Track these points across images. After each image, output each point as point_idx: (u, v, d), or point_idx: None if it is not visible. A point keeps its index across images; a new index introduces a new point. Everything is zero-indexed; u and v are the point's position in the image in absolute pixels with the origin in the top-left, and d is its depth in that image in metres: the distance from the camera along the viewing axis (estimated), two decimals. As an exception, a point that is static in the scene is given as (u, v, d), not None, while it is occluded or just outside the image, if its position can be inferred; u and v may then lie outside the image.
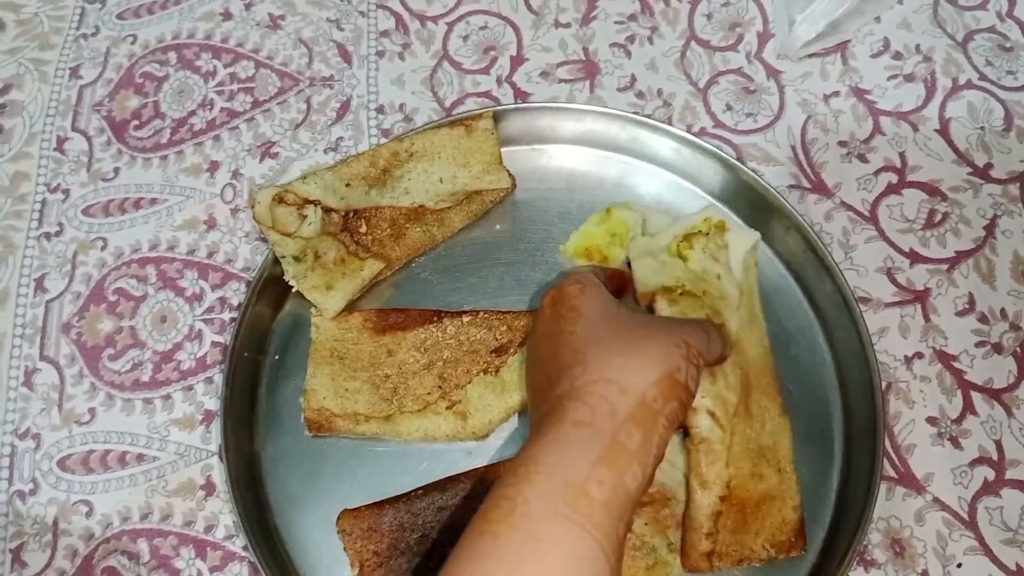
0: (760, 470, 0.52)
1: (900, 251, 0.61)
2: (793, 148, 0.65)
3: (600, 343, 0.44)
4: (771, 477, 0.53)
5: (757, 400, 0.54)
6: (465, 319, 0.58)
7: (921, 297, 0.60)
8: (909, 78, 0.67)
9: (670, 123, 0.62)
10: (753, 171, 0.60)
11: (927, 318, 0.59)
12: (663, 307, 0.54)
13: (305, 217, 0.58)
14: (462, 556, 0.38)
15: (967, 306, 0.59)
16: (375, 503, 0.54)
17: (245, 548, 0.55)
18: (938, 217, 0.62)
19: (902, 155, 0.64)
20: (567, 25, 0.70)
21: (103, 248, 0.64)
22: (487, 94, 0.68)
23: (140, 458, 0.58)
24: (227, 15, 0.71)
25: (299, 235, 0.58)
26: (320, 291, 0.58)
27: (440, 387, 0.57)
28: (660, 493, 0.53)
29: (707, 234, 0.58)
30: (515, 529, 0.37)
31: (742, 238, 0.59)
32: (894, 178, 0.63)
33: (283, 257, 0.57)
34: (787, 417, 0.55)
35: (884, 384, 0.56)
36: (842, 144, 0.65)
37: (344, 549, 0.53)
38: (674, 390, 0.42)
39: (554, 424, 0.41)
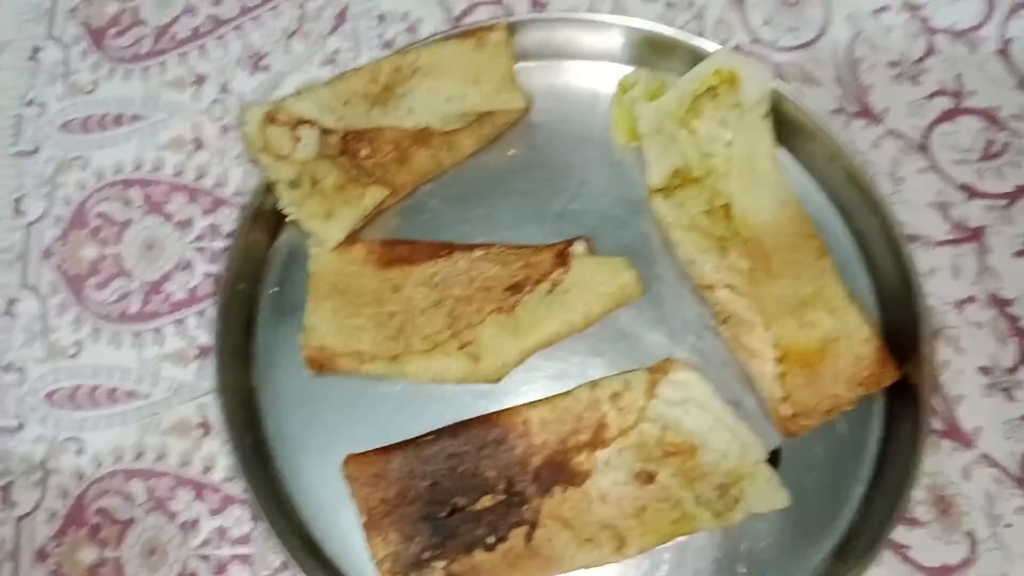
0: (809, 319, 0.51)
1: (954, 185, 0.56)
2: (838, 68, 0.59)
3: None
4: (824, 321, 0.51)
5: (782, 258, 0.52)
6: (477, 253, 0.54)
7: (976, 236, 0.55)
8: (967, -9, 0.60)
9: (702, 37, 0.56)
10: (793, 93, 0.54)
11: (982, 259, 0.54)
12: (660, 206, 0.53)
13: (299, 139, 0.53)
14: None
15: (1025, 246, 0.55)
16: (382, 448, 0.51)
17: (245, 491, 0.52)
18: (996, 147, 0.56)
19: (958, 78, 0.58)
20: (591, -75, 0.63)
21: (84, 168, 0.59)
22: (500, 2, 0.61)
23: (131, 395, 0.55)
24: (212, -92, 0.64)
25: (293, 158, 0.53)
26: (318, 220, 0.53)
27: (450, 326, 0.53)
28: (687, 443, 0.50)
29: (716, 95, 0.54)
30: None
31: (753, 86, 0.54)
32: (949, 103, 0.58)
33: (277, 183, 0.53)
34: (828, 257, 0.53)
35: (932, 330, 0.52)
36: (892, 64, 0.59)
37: (351, 496, 0.50)
38: None
39: None
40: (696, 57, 0.55)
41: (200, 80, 0.60)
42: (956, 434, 0.51)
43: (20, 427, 0.54)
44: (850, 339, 0.51)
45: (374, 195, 0.54)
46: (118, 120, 0.60)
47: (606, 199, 0.56)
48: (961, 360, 0.52)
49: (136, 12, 0.62)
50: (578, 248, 0.53)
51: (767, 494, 0.49)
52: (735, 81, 0.54)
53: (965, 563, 0.49)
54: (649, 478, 0.50)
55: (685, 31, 0.56)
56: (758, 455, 0.50)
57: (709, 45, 0.55)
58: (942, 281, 0.54)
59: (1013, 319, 0.53)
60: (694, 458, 0.50)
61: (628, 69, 0.58)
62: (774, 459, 0.51)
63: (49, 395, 0.55)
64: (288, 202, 0.53)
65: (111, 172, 0.59)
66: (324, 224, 0.53)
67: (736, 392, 0.52)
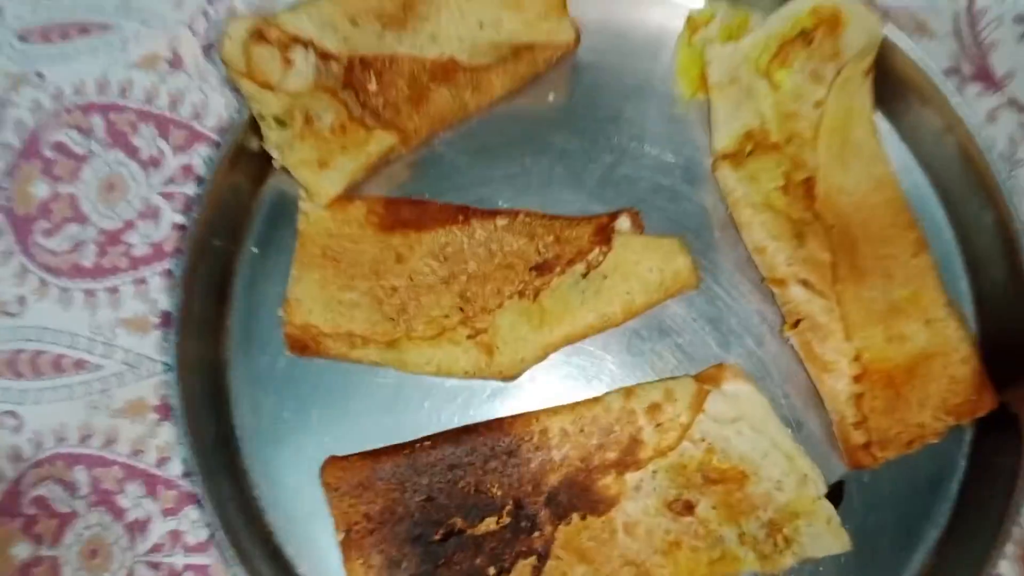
0: (900, 330, 0.44)
1: (1086, 172, 0.47)
2: (956, 19, 0.50)
3: None
4: (919, 334, 0.44)
5: (871, 252, 0.45)
6: (500, 222, 0.46)
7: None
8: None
9: (797, -29, 0.46)
10: (904, 45, 0.45)
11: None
12: (727, 176, 0.46)
13: (291, 62, 0.44)
14: None
15: None
16: (370, 452, 0.45)
17: (205, 491, 0.45)
18: None
19: (1101, 39, 0.48)
20: None
21: (39, 87, 0.51)
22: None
23: (80, 365, 0.48)
24: None
25: (284, 88, 0.44)
26: (311, 168, 0.46)
27: (461, 309, 0.46)
28: (735, 469, 0.43)
29: (811, 41, 0.46)
30: None
31: (859, 32, 0.45)
32: (1087, 71, 0.48)
33: (262, 119, 0.45)
34: (927, 253, 0.46)
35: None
36: (1020, 20, 0.50)
37: (329, 508, 0.43)
38: None
39: None
40: (787, -8, 0.47)
41: (182, -15, 0.51)
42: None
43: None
44: (946, 357, 0.44)
45: (381, 141, 0.47)
46: (83, 29, 0.51)
47: (661, 165, 0.48)
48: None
49: None
50: (623, 224, 0.46)
51: (825, 536, 0.43)
52: (837, 24, 0.46)
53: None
54: (686, 508, 0.43)
55: (775, -38, 0.46)
56: (819, 489, 0.43)
57: (805, -19, 0.45)
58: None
59: None
60: (742, 488, 0.44)
61: (700, 3, 0.49)
62: (836, 494, 0.45)
63: (-13, 359, 0.48)
64: (275, 143, 0.45)
65: (71, 92, 0.50)
66: (317, 174, 0.46)
67: (798, 412, 0.46)
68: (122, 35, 0.51)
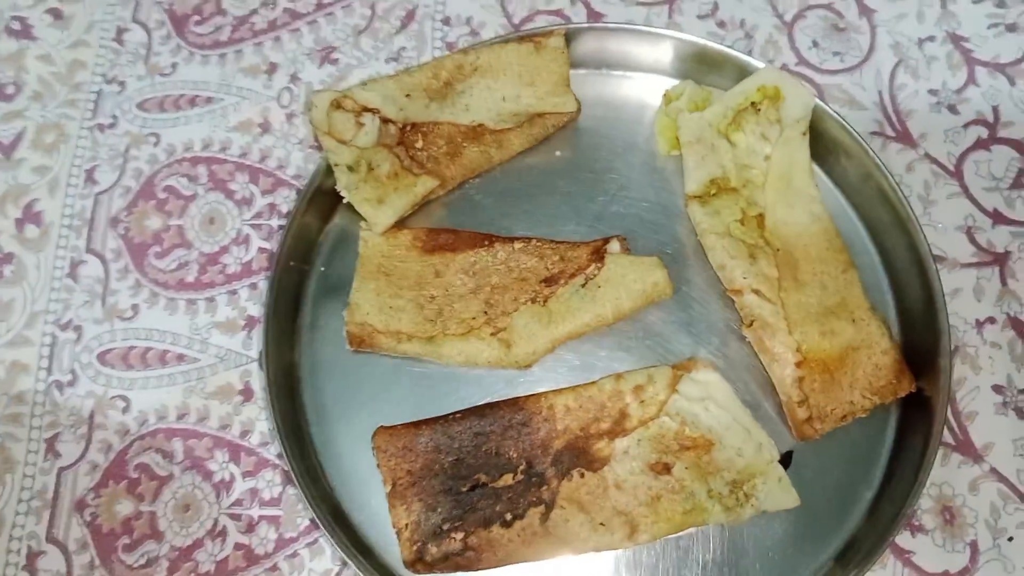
0: (831, 327, 0.53)
1: (983, 210, 0.57)
2: (880, 93, 0.61)
3: None
4: (846, 330, 0.53)
5: (809, 269, 0.55)
6: (517, 245, 0.56)
7: (1000, 260, 0.56)
8: (1011, 28, 0.62)
9: (750, 55, 0.58)
10: (836, 112, 0.56)
11: (1004, 282, 0.56)
12: (696, 212, 0.56)
13: (362, 125, 0.56)
14: None
15: (1050, 274, 0.56)
16: (412, 423, 0.53)
17: (279, 456, 0.55)
18: (1028, 177, 0.58)
19: (995, 109, 0.60)
20: (648, -55, 0.66)
21: (156, 144, 0.63)
22: (559, 12, 0.64)
23: (180, 358, 0.58)
24: (294, -89, 0.69)
25: (354, 144, 0.56)
26: (371, 204, 0.56)
27: (486, 312, 0.55)
28: (704, 438, 0.52)
29: (759, 110, 0.56)
30: None
31: (796, 103, 0.56)
32: (984, 133, 0.59)
33: (336, 166, 0.56)
34: (854, 270, 0.55)
35: (951, 347, 0.53)
36: (932, 92, 0.61)
37: (377, 466, 0.52)
38: None
39: None
40: (742, 73, 0.58)
41: (272, 69, 0.64)
42: (967, 448, 0.53)
43: (72, 382, 0.58)
44: (870, 349, 0.52)
45: (425, 185, 0.57)
46: (192, 101, 0.63)
47: (644, 203, 0.58)
48: (977, 378, 0.54)
49: (218, 2, 0.66)
50: (613, 246, 0.55)
51: (778, 494, 0.51)
52: (778, 97, 0.56)
53: (965, 572, 0.50)
54: (665, 469, 0.52)
55: (734, 49, 0.58)
56: (772, 455, 0.51)
57: (756, 63, 0.57)
58: (964, 301, 0.56)
59: (1033, 342, 0.54)
60: (709, 453, 0.52)
61: (675, 82, 0.60)
62: (786, 461, 0.52)
63: (102, 354, 0.58)
64: (345, 184, 0.56)
65: (181, 149, 0.62)
66: (376, 208, 0.56)
67: (755, 396, 0.54)
68: (223, 106, 0.63)
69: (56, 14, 0.67)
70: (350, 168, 0.56)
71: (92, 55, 0.66)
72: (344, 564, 0.53)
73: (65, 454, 0.56)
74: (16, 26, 0.67)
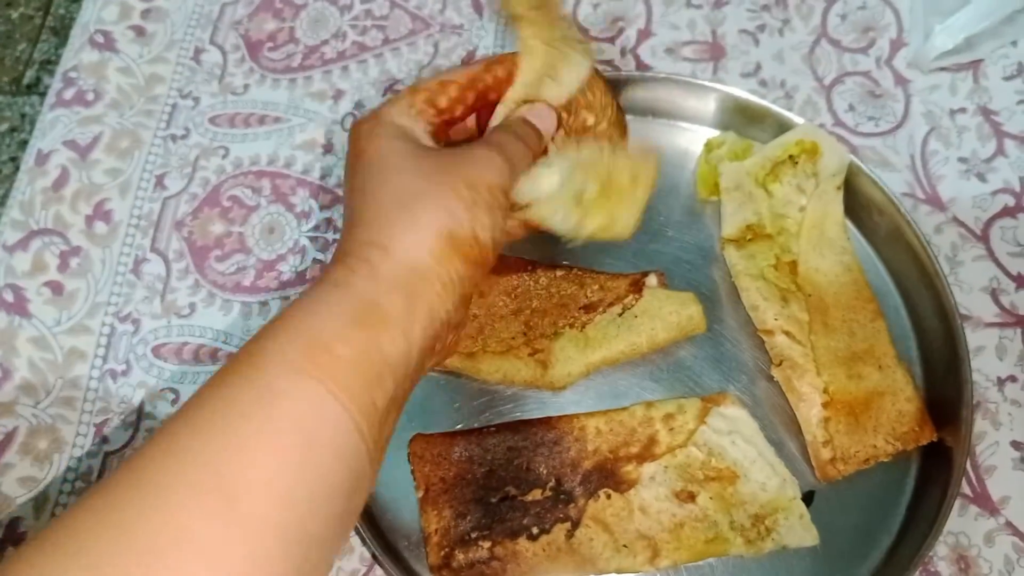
0: (858, 371, 0.55)
1: (1008, 274, 0.60)
2: (912, 157, 0.64)
3: (375, 198, 0.40)
4: (872, 375, 0.55)
5: (839, 316, 0.57)
6: (559, 273, 0.59)
7: (1022, 322, 0.58)
8: (1041, 105, 0.65)
9: (790, 112, 0.62)
10: (871, 171, 0.59)
11: (1027, 343, 0.58)
12: (731, 254, 0.59)
13: None
14: (190, 404, 0.34)
15: (1070, 338, 0.58)
16: (448, 432, 0.56)
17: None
18: (1051, 246, 0.61)
19: (1022, 180, 0.63)
20: (699, 6, 0.70)
21: (224, 156, 0.66)
22: (610, 62, 0.68)
23: (231, 357, 0.60)
24: (371, -46, 0.74)
25: None
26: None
27: (525, 333, 0.58)
28: (729, 470, 0.54)
29: (796, 163, 0.59)
30: (246, 379, 0.34)
31: (833, 159, 0.59)
32: (1011, 201, 0.62)
33: None
34: (882, 320, 0.57)
35: (972, 402, 0.55)
36: (962, 160, 0.64)
37: (412, 472, 0.55)
38: (455, 249, 0.39)
39: (315, 284, 0.38)
40: (782, 128, 0.61)
41: (339, 95, 0.68)
42: (984, 501, 0.54)
43: (126, 372, 0.60)
44: (895, 395, 0.54)
45: None
46: (261, 120, 0.67)
47: (682, 243, 0.61)
48: (996, 434, 0.56)
49: (292, 32, 0.71)
50: (651, 280, 0.58)
51: (798, 530, 0.52)
52: (815, 152, 0.59)
53: (981, 620, 0.52)
54: (689, 497, 0.53)
55: (775, 105, 0.61)
56: (795, 492, 0.53)
57: (796, 119, 0.61)
58: (987, 359, 0.58)
59: (1052, 402, 0.56)
60: (734, 485, 0.54)
61: (716, 133, 0.64)
62: (808, 499, 0.54)
63: (157, 347, 0.61)
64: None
65: (248, 163, 0.66)
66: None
67: (780, 435, 0.56)
68: (290, 125, 0.67)
69: (139, 31, 0.72)
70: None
71: (170, 71, 0.70)
72: (372, 564, 0.54)
73: (113, 439, 0.58)
74: (100, 39, 0.71)
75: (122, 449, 0.58)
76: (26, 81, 0.70)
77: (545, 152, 0.51)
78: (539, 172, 0.48)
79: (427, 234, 0.38)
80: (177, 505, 0.31)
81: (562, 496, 0.54)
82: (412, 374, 0.39)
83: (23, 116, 0.68)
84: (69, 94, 0.69)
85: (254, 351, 0.36)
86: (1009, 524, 0.53)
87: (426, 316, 0.38)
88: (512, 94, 0.48)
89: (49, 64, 0.70)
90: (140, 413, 0.59)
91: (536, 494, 0.54)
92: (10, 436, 0.58)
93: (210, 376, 0.36)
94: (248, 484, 0.32)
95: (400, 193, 0.40)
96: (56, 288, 0.63)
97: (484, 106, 0.48)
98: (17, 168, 0.66)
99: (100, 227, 0.64)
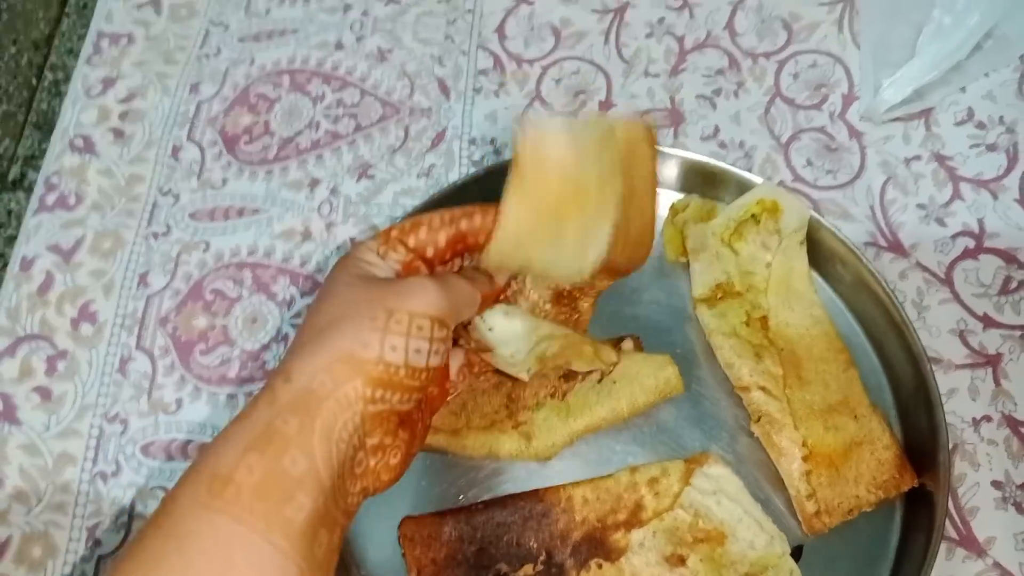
0: (834, 423, 0.56)
1: (974, 315, 0.61)
2: (871, 207, 0.66)
3: (306, 327, 0.42)
4: (849, 426, 0.56)
5: (812, 368, 0.58)
6: (538, 344, 0.60)
7: (993, 361, 0.60)
8: (991, 148, 0.68)
9: (750, 172, 0.64)
10: (831, 224, 0.61)
11: (997, 382, 0.59)
12: (704, 314, 0.60)
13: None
14: (118, 564, 0.36)
15: (1040, 374, 0.59)
16: (436, 512, 0.56)
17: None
18: (1014, 284, 0.62)
19: (980, 221, 0.65)
20: (656, 75, 0.73)
21: (205, 250, 0.68)
22: (574, 134, 0.70)
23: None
24: (339, 45, 0.76)
25: None
26: None
27: (507, 406, 0.59)
28: (717, 531, 0.54)
29: (759, 222, 0.60)
30: (159, 528, 0.36)
31: (793, 216, 0.61)
32: (971, 243, 0.64)
33: None
34: (855, 369, 0.58)
35: (950, 445, 0.56)
36: (920, 207, 0.66)
37: (402, 555, 0.55)
38: (355, 369, 0.39)
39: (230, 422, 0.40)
40: (743, 188, 0.63)
41: (314, 183, 0.70)
42: (970, 543, 0.55)
43: (116, 473, 0.61)
44: (872, 444, 0.55)
45: None
46: (240, 212, 0.69)
47: (655, 306, 0.63)
48: (976, 474, 0.56)
49: (267, 125, 0.73)
50: (627, 344, 0.59)
51: None
52: (776, 210, 0.61)
53: (976, 665, 0.52)
54: (680, 561, 0.54)
55: (735, 167, 0.64)
56: (783, 548, 0.53)
57: (755, 179, 0.62)
58: (961, 401, 0.59)
59: (1027, 439, 0.57)
60: (723, 546, 0.54)
61: (680, 196, 0.65)
62: (797, 554, 0.54)
63: (146, 446, 0.62)
64: None
65: (228, 255, 0.68)
66: None
67: (765, 491, 0.56)
68: (268, 216, 0.69)
69: (118, 132, 0.74)
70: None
71: (149, 170, 0.72)
72: (370, 651, 0.54)
73: (105, 542, 0.59)
74: (80, 143, 0.74)
75: (115, 551, 0.59)
76: (11, 177, 0.72)
77: (507, 299, 0.54)
78: (495, 313, 0.51)
79: (327, 357, 0.39)
80: None
81: (553, 570, 0.54)
82: (333, 490, 0.39)
83: (9, 212, 0.70)
84: (51, 199, 0.71)
85: (167, 499, 0.37)
86: (997, 565, 0.54)
87: (324, 433, 0.38)
88: (486, 260, 0.47)
89: (34, 159, 0.72)
90: (131, 514, 0.60)
91: (528, 569, 0.54)
92: (4, 545, 0.59)
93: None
94: None
95: (322, 321, 0.41)
96: (44, 393, 0.63)
97: (468, 250, 0.49)
98: (4, 266, 0.67)
99: (86, 328, 0.66)
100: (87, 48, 0.78)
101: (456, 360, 0.54)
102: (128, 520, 0.59)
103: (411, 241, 0.47)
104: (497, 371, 0.56)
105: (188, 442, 0.62)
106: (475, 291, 0.47)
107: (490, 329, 0.52)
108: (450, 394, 0.52)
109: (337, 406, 0.39)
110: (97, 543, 0.59)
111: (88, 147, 0.73)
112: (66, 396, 0.63)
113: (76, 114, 0.75)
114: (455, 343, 0.53)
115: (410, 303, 0.41)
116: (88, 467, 0.61)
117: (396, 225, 0.47)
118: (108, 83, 0.76)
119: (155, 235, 0.69)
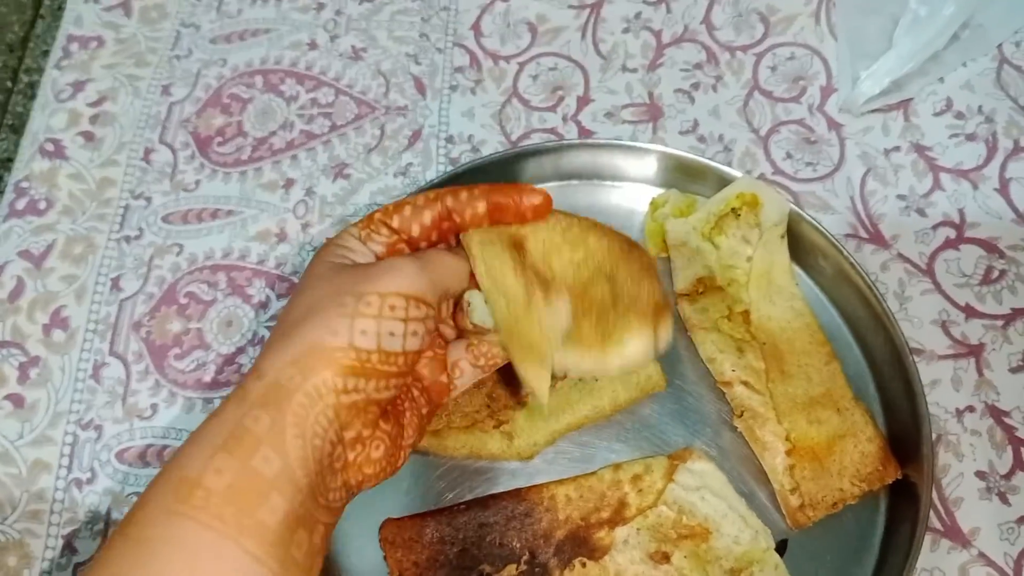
0: (817, 416, 0.55)
1: (956, 305, 0.61)
2: (852, 199, 0.66)
3: (281, 323, 0.41)
4: (832, 419, 0.55)
5: (795, 361, 0.58)
6: (518, 342, 0.60)
7: (975, 351, 0.59)
8: (971, 137, 0.68)
9: (729, 167, 0.63)
10: (811, 217, 0.60)
11: (980, 373, 0.59)
12: (685, 309, 0.60)
13: None
14: (90, 572, 0.35)
15: (1021, 363, 0.59)
16: (418, 514, 0.55)
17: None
18: (995, 274, 0.62)
19: (961, 211, 0.64)
20: (634, 70, 0.72)
21: (178, 253, 0.67)
22: (553, 130, 0.70)
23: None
24: (313, 45, 0.75)
25: None
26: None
27: (488, 406, 0.58)
28: (701, 527, 0.54)
29: (739, 215, 0.60)
30: (125, 536, 0.35)
31: (773, 209, 0.60)
32: (952, 233, 0.64)
33: None
34: (837, 362, 0.58)
35: (934, 436, 0.55)
36: (901, 198, 0.65)
37: (384, 558, 0.54)
38: (323, 359, 0.38)
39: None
40: (722, 182, 0.62)
41: (289, 184, 0.69)
42: (954, 534, 0.54)
43: (91, 480, 0.59)
44: (855, 437, 0.55)
45: None
46: (214, 214, 0.68)
47: (636, 302, 0.62)
48: (960, 465, 0.56)
49: (240, 126, 0.72)
50: (608, 342, 0.59)
51: None
52: (756, 204, 0.61)
53: (962, 656, 0.52)
54: (664, 558, 0.53)
55: (714, 161, 0.63)
56: (768, 543, 0.53)
57: (734, 173, 0.62)
58: (943, 391, 0.58)
59: (1009, 428, 0.57)
60: (707, 541, 0.54)
61: (660, 191, 0.65)
62: (782, 548, 0.54)
63: (121, 452, 0.60)
64: None
65: (202, 258, 0.66)
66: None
67: (749, 485, 0.56)
68: (243, 218, 0.68)
69: (88, 136, 0.73)
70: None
71: (121, 173, 0.71)
72: (351, 657, 0.54)
73: (82, 550, 0.58)
74: (50, 147, 0.72)
75: (91, 559, 0.58)
76: (-14, 183, 0.71)
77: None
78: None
79: (295, 349, 0.38)
80: None
81: (537, 570, 0.53)
82: (310, 489, 0.37)
83: (-15, 218, 0.69)
84: (21, 204, 0.70)
85: (136, 506, 0.36)
86: (982, 555, 0.54)
87: (296, 428, 0.37)
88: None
89: (9, 163, 0.71)
90: (108, 521, 0.59)
91: (511, 570, 0.54)
92: (-24, 557, 0.57)
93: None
94: None
95: (295, 314, 0.40)
96: (17, 400, 0.62)
97: (454, 229, 0.47)
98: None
99: (58, 335, 0.64)
100: (56, 52, 0.77)
101: (457, 351, 0.51)
102: (104, 527, 0.58)
103: (395, 221, 0.45)
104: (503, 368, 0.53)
105: (164, 448, 0.60)
106: (462, 261, 0.45)
107: (486, 302, 0.46)
108: (454, 389, 0.50)
109: (308, 399, 0.37)
110: (73, 551, 0.58)
111: (58, 151, 0.72)
112: (39, 403, 0.62)
113: (46, 119, 0.74)
114: (458, 337, 0.51)
115: (380, 284, 0.39)
116: (63, 474, 0.60)
117: (379, 208, 0.46)
118: (78, 87, 0.75)
119: (127, 239, 0.68)
